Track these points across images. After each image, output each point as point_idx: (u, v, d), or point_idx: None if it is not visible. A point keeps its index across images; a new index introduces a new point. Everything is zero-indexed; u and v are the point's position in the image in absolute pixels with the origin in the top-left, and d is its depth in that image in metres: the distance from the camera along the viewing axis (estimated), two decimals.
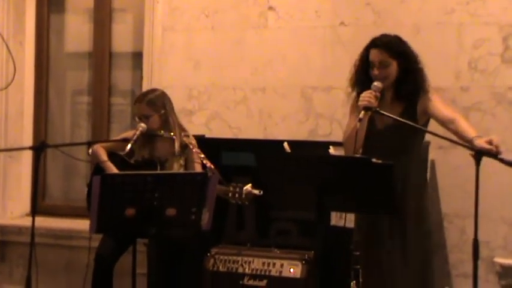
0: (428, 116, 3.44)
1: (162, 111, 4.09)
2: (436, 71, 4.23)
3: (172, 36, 4.85)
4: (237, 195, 3.69)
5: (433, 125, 3.55)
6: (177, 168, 4.06)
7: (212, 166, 3.71)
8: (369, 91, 3.30)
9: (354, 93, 3.52)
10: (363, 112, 3.24)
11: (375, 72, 3.40)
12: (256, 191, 3.68)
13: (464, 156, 3.12)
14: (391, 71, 3.42)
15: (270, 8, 4.64)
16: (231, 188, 3.70)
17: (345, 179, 3.07)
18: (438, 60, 4.26)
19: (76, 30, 5.43)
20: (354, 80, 3.51)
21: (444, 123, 3.36)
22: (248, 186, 3.69)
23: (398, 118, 3.33)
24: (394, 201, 3.04)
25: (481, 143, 3.06)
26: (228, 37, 4.74)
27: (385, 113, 3.30)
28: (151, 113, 4.07)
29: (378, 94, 3.31)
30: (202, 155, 3.84)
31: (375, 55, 3.42)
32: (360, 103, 3.27)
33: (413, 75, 3.44)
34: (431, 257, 3.58)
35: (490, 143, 3.03)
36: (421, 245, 3.46)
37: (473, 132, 3.20)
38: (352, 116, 3.51)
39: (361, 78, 3.45)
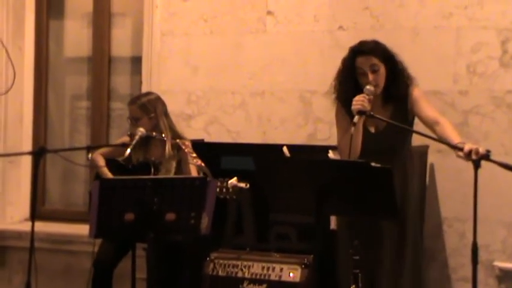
0: (413, 114, 3.48)
1: (152, 115, 4.14)
2: (435, 74, 4.26)
3: (171, 40, 4.85)
4: (224, 189, 3.69)
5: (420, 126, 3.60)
6: (171, 171, 4.08)
7: (203, 164, 3.71)
8: (362, 95, 3.31)
9: (336, 104, 3.55)
10: (357, 117, 3.25)
11: (370, 78, 3.40)
12: (242, 184, 3.66)
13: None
14: (382, 75, 3.44)
15: (269, 12, 4.65)
16: (218, 183, 3.69)
17: (344, 183, 3.06)
18: (437, 64, 4.27)
19: (75, 35, 5.43)
20: (340, 92, 3.50)
21: (428, 124, 3.38)
22: (233, 180, 3.67)
23: (394, 122, 3.36)
24: (395, 205, 3.04)
25: (459, 155, 3.09)
26: (227, 42, 4.75)
27: (379, 116, 3.32)
28: (141, 116, 4.15)
29: (371, 97, 3.32)
30: (194, 154, 3.86)
31: (364, 62, 3.43)
32: (353, 107, 3.27)
33: (400, 76, 3.49)
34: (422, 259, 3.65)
35: (468, 154, 3.03)
36: (416, 247, 3.50)
37: (456, 137, 3.22)
38: (340, 128, 3.51)
39: (350, 88, 3.44)
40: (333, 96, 3.56)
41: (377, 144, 3.37)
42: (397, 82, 3.47)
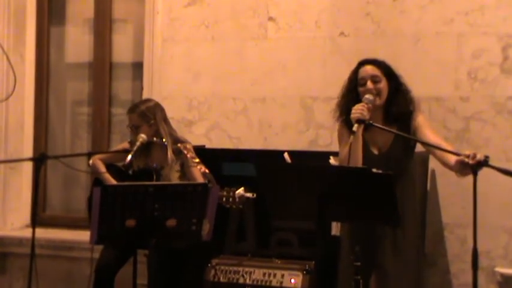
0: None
1: (152, 122, 4.14)
2: (436, 80, 4.27)
3: (173, 46, 4.86)
4: (230, 199, 3.69)
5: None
6: (173, 175, 4.08)
7: (207, 171, 3.72)
8: (361, 104, 3.29)
9: (339, 121, 3.52)
10: (356, 125, 3.24)
11: (368, 86, 3.38)
12: (248, 194, 3.68)
13: None
14: (383, 87, 3.41)
15: (270, 18, 4.66)
16: (224, 193, 3.70)
17: (345, 189, 3.07)
18: (438, 70, 4.28)
19: (76, 41, 5.45)
20: (341, 104, 3.49)
21: (430, 148, 3.37)
22: (240, 190, 3.68)
23: (394, 131, 3.34)
24: (396, 211, 3.04)
25: (459, 160, 3.09)
26: (228, 47, 4.75)
27: (378, 125, 3.31)
28: (141, 124, 4.14)
29: (370, 106, 3.30)
30: (197, 160, 3.85)
31: (366, 71, 3.42)
32: (352, 116, 3.26)
33: (402, 96, 3.45)
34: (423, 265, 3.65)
35: (462, 162, 3.04)
36: (417, 252, 3.50)
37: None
38: (343, 143, 3.48)
39: (351, 100, 3.42)
40: (336, 114, 3.53)
41: (381, 166, 3.32)
42: (398, 101, 3.43)
